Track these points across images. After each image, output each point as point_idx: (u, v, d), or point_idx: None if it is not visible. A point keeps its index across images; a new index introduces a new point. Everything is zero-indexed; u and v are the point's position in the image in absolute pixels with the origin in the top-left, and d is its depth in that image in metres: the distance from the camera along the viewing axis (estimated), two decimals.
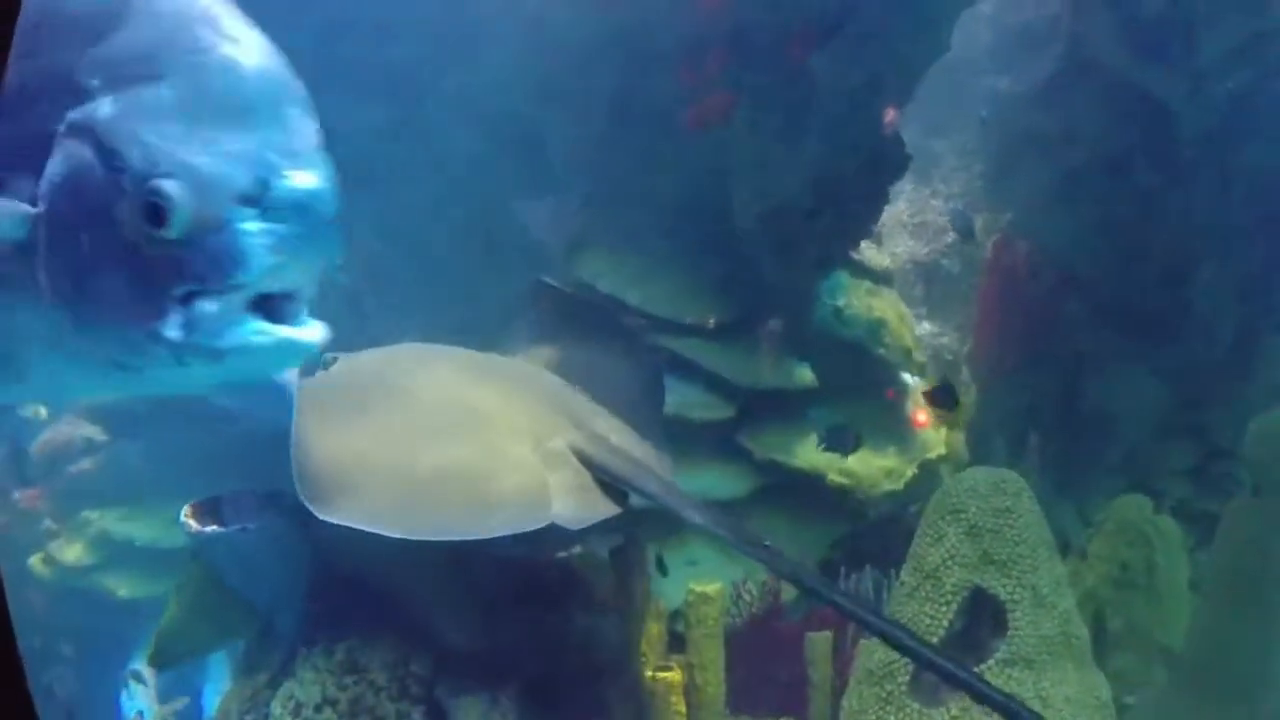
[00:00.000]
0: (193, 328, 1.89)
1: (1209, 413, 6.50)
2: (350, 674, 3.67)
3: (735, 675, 4.10)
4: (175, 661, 4.15)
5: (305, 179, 1.91)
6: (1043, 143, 6.52)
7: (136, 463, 6.01)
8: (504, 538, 3.15)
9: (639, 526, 3.97)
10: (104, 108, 1.90)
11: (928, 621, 3.79)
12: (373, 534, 3.09)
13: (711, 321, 5.05)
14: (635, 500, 3.47)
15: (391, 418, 3.41)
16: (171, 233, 1.84)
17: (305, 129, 1.96)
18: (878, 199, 5.10)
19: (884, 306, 5.29)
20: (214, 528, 3.84)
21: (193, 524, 3.81)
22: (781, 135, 4.61)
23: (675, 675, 3.87)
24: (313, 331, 1.97)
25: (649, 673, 3.91)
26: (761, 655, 4.48)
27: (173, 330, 1.89)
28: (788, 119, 4.59)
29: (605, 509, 3.33)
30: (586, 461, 3.41)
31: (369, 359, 3.96)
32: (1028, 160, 6.53)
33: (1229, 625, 4.96)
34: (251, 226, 1.86)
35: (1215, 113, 6.11)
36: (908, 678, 3.72)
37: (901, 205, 6.68)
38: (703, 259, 5.05)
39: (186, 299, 1.89)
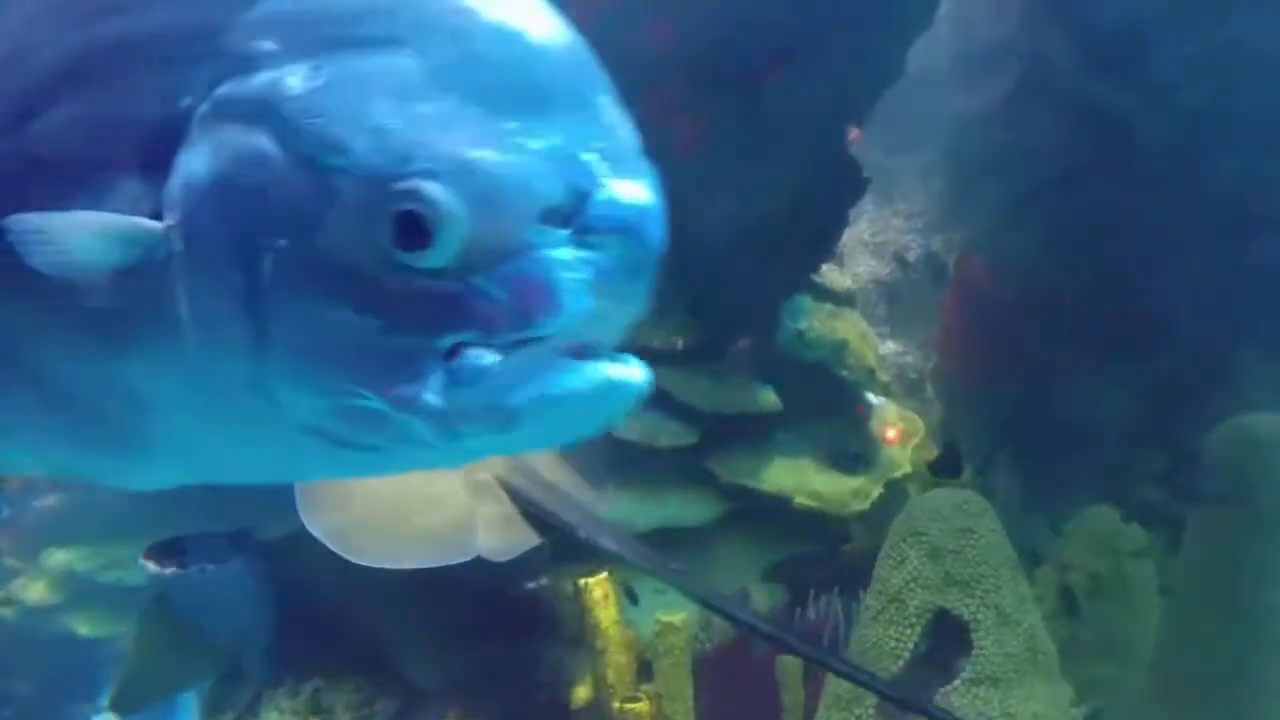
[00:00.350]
0: (468, 388, 1.26)
1: (1176, 420, 6.57)
2: (316, 714, 3.66)
3: (705, 703, 4.10)
4: (138, 705, 4.11)
5: (634, 191, 1.30)
6: (1002, 160, 6.61)
7: (104, 499, 5.96)
8: (472, 568, 3.20)
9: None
10: (293, 79, 1.26)
11: (893, 644, 3.81)
12: (340, 571, 3.11)
13: (680, 343, 5.09)
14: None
15: None
16: (436, 259, 1.23)
17: (623, 125, 1.36)
18: (839, 221, 5.16)
19: (846, 328, 5.34)
20: (173, 569, 3.83)
21: (151, 565, 3.79)
22: (742, 160, 4.66)
23: (643, 706, 3.87)
24: (638, 371, 1.34)
25: (616, 704, 3.91)
26: (732, 682, 4.48)
27: (434, 395, 1.26)
28: (748, 144, 4.64)
29: (528, 540, 3.44)
30: (510, 492, 3.52)
31: None
32: (987, 177, 6.62)
33: (1199, 631, 5.03)
34: (564, 254, 1.26)
35: (1174, 126, 6.21)
36: (876, 701, 3.74)
37: (863, 225, 6.75)
38: (666, 285, 5.07)
39: (453, 352, 1.25)
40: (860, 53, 4.84)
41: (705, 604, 3.62)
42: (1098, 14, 5.90)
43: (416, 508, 3.31)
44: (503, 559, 3.36)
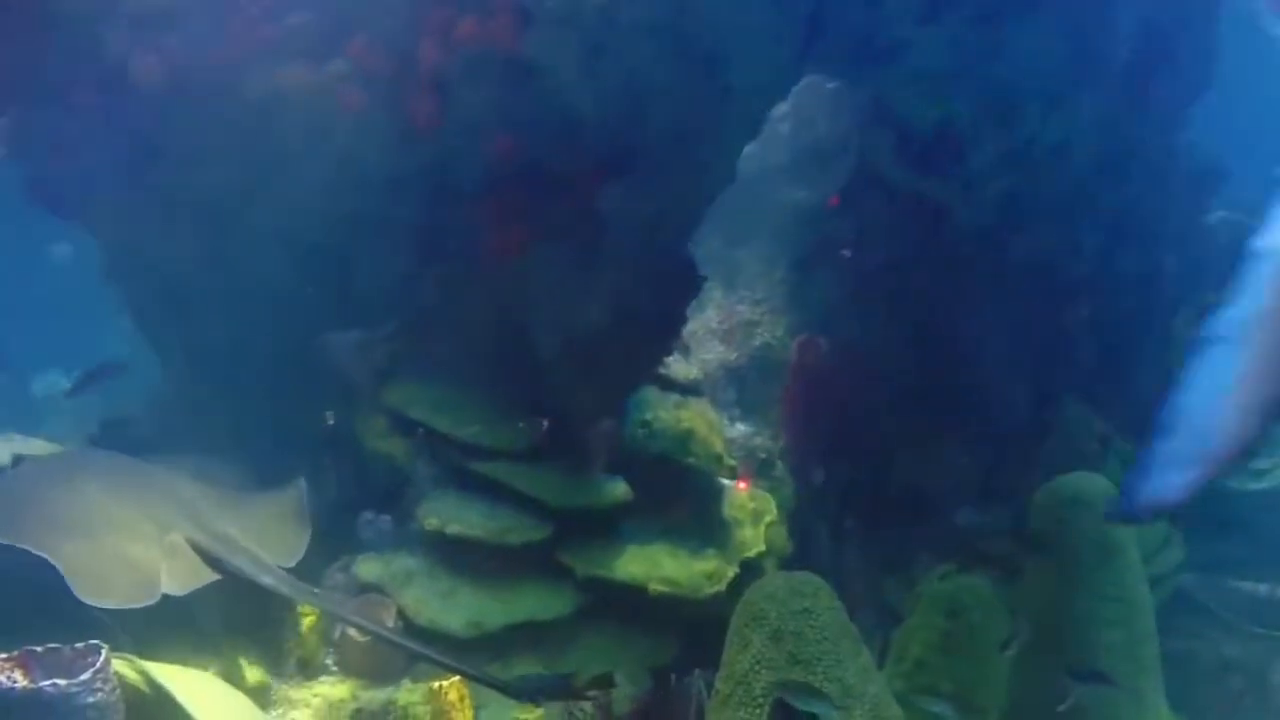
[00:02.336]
0: None
1: (1016, 475, 6.93)
2: None
3: None
4: None
5: None
6: (837, 247, 7.01)
7: None
8: None
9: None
10: None
11: None
12: None
13: (542, 427, 5.19)
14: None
15: (55, 510, 4.47)
16: None
17: None
18: (676, 319, 5.37)
19: (691, 417, 5.51)
20: (23, 684, 3.70)
21: (1, 679, 3.66)
22: (577, 265, 4.84)
23: None
24: None
25: None
26: None
27: None
28: (582, 250, 4.82)
29: (206, 579, 4.37)
30: (196, 548, 4.47)
31: (52, 461, 5.32)
32: (824, 265, 7.00)
33: (1040, 676, 5.31)
34: None
35: (986, 211, 6.72)
36: None
37: (710, 312, 7.00)
38: (510, 384, 5.19)
39: None
40: (691, 162, 5.12)
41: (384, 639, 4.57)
42: (916, 118, 6.39)
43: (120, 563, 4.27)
44: (181, 593, 4.29)
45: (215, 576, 4.39)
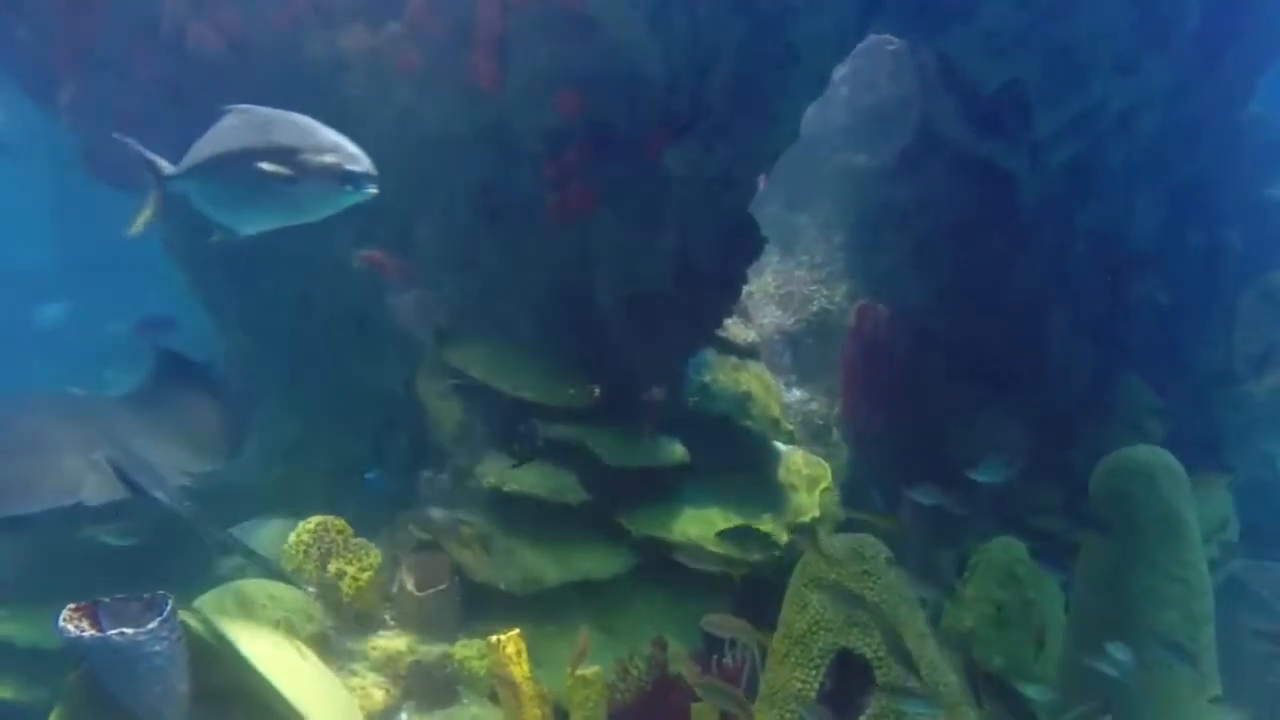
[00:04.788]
0: None
1: (1072, 451, 6.84)
2: None
3: None
4: None
5: None
6: (898, 213, 6.90)
7: (21, 559, 5.86)
8: None
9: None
10: None
11: (799, 686, 3.95)
12: None
13: (596, 391, 5.19)
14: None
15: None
16: None
17: None
18: (737, 280, 5.33)
19: (750, 379, 5.48)
20: (91, 633, 3.81)
21: (71, 628, 3.78)
22: (640, 224, 4.81)
23: None
24: None
25: None
26: None
27: None
28: (645, 209, 4.79)
29: (119, 493, 4.94)
30: (114, 465, 5.02)
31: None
32: (884, 230, 6.90)
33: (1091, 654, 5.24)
34: None
35: (1052, 179, 6.58)
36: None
37: (768, 277, 6.95)
38: (571, 344, 5.19)
39: None
40: (756, 120, 5.05)
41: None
42: (983, 80, 6.25)
43: (40, 473, 4.97)
44: (95, 503, 4.88)
45: (122, 494, 5.00)
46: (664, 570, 5.12)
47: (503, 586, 4.90)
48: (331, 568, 4.88)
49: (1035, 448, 6.86)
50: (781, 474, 5.71)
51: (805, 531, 5.45)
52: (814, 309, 6.88)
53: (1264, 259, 7.41)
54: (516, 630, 4.08)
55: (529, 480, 4.98)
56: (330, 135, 3.64)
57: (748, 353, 5.77)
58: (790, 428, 5.88)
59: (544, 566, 4.98)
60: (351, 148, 3.62)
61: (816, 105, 6.32)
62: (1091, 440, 6.64)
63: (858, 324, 6.67)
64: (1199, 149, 6.98)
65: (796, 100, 5.28)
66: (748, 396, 5.43)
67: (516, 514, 5.08)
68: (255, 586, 4.71)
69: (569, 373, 5.16)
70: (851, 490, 6.43)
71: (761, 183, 5.61)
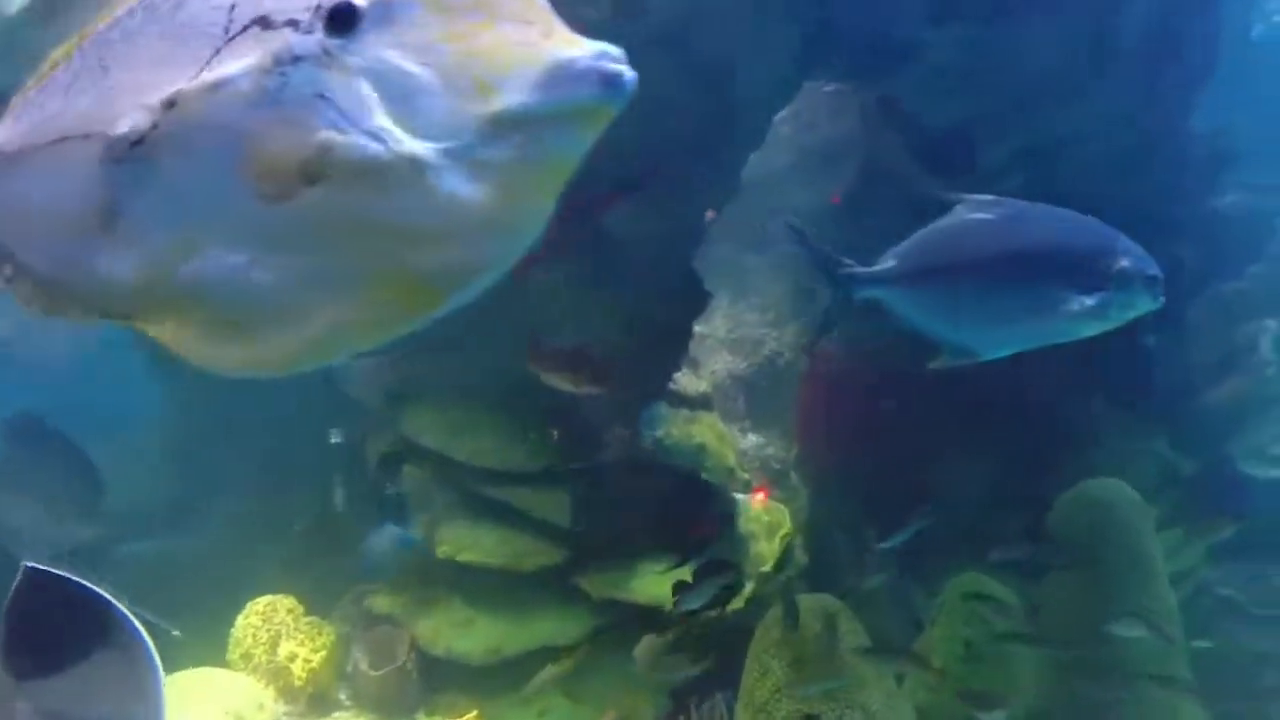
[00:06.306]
0: None
1: (1039, 481, 6.83)
2: None
3: None
4: None
5: None
6: (848, 251, 6.88)
7: None
8: None
9: None
10: None
11: None
12: None
13: (556, 434, 5.12)
14: None
15: None
16: None
17: None
18: (683, 334, 5.30)
19: (703, 431, 5.45)
20: None
21: None
22: (588, 284, 4.77)
23: None
24: None
25: None
26: None
27: None
28: (594, 270, 4.75)
29: None
30: None
31: None
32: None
33: (1065, 686, 5.23)
34: None
35: None
36: None
37: (719, 321, 6.92)
38: (523, 405, 5.12)
39: None
40: (699, 177, 5.03)
41: None
42: (931, 119, 6.29)
43: None
44: None
45: None
46: (628, 630, 5.05)
47: (462, 659, 4.80)
48: (282, 651, 4.75)
49: (998, 479, 6.86)
50: (741, 523, 5.66)
51: (773, 584, 5.41)
52: (766, 352, 6.85)
53: (1212, 270, 7.50)
54: (475, 713, 3.98)
55: (485, 548, 4.90)
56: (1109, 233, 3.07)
57: (700, 403, 5.73)
58: (746, 476, 5.84)
59: (505, 635, 4.89)
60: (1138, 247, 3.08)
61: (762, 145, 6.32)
62: (1058, 466, 6.66)
63: (812, 365, 6.63)
64: (1146, 168, 7.05)
65: (738, 154, 5.28)
66: (702, 449, 5.39)
67: (473, 581, 4.99)
68: (192, 677, 4.56)
69: (522, 433, 5.09)
70: (812, 534, 6.38)
71: (709, 215, 5.59)
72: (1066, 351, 6.90)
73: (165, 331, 1.46)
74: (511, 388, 5.16)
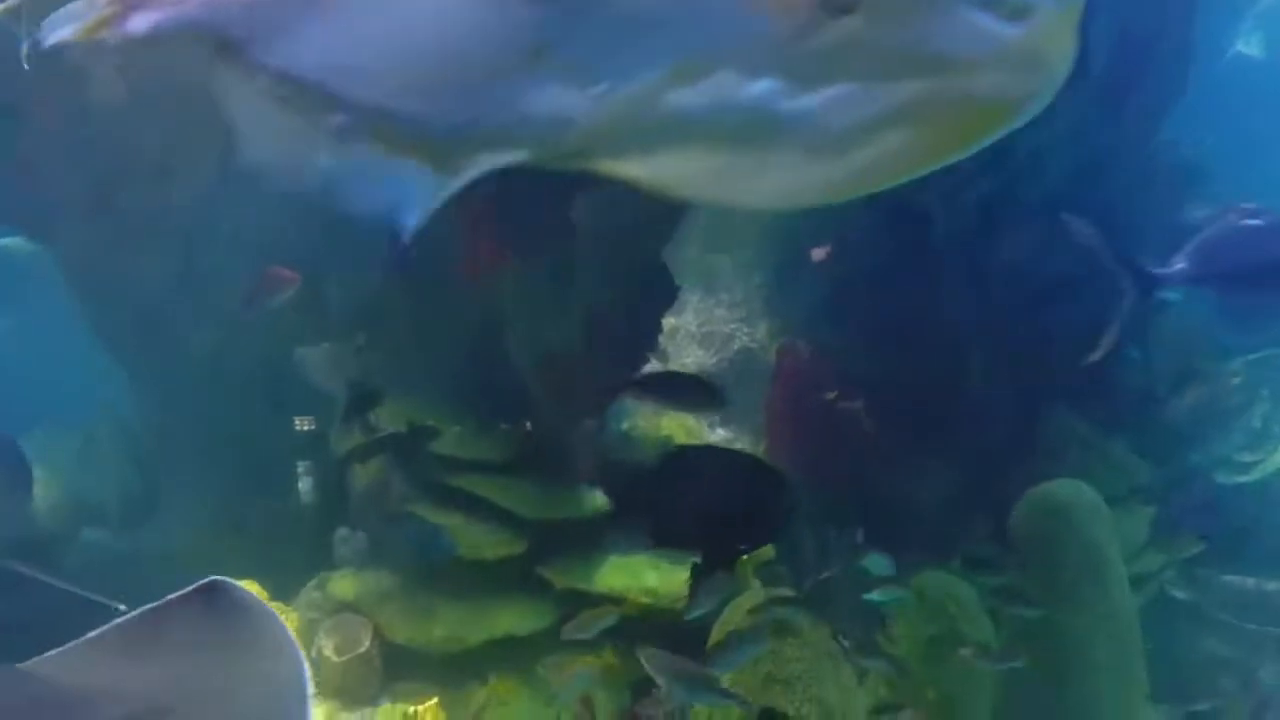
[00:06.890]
0: None
1: (1000, 486, 6.90)
2: None
3: None
4: None
5: None
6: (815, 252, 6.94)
7: None
8: None
9: None
10: None
11: None
12: None
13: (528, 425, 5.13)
14: None
15: None
16: None
17: None
18: (652, 329, 5.32)
19: (670, 424, 5.47)
20: None
21: None
22: (550, 279, 4.78)
23: None
24: None
25: None
26: None
27: None
28: (555, 264, 4.76)
29: None
30: None
31: None
32: (803, 270, 6.94)
33: (1030, 692, 5.29)
34: None
35: (965, 216, 6.67)
36: None
37: (689, 315, 6.95)
38: (486, 396, 5.14)
39: None
40: None
41: None
42: None
43: None
44: None
45: None
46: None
47: (424, 647, 4.82)
48: None
49: (960, 484, 6.92)
50: None
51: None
52: (736, 347, 6.89)
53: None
54: (435, 700, 4.00)
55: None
56: None
57: None
58: None
59: (466, 624, 4.90)
60: None
61: None
62: (1019, 470, 6.73)
63: (780, 363, 6.68)
64: (1111, 181, 7.14)
65: None
66: (669, 441, 5.42)
67: (435, 570, 5.00)
68: None
69: (486, 424, 5.10)
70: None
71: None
72: (1030, 357, 7.07)
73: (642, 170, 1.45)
74: (473, 381, 5.18)
